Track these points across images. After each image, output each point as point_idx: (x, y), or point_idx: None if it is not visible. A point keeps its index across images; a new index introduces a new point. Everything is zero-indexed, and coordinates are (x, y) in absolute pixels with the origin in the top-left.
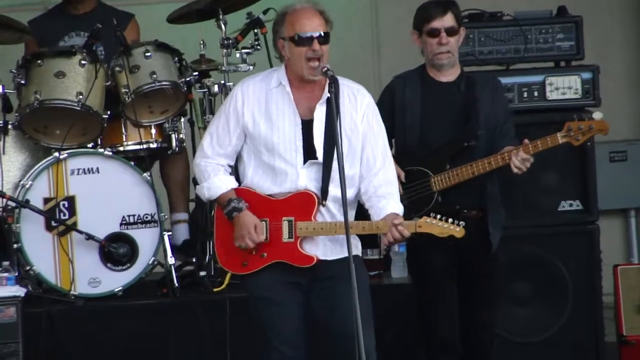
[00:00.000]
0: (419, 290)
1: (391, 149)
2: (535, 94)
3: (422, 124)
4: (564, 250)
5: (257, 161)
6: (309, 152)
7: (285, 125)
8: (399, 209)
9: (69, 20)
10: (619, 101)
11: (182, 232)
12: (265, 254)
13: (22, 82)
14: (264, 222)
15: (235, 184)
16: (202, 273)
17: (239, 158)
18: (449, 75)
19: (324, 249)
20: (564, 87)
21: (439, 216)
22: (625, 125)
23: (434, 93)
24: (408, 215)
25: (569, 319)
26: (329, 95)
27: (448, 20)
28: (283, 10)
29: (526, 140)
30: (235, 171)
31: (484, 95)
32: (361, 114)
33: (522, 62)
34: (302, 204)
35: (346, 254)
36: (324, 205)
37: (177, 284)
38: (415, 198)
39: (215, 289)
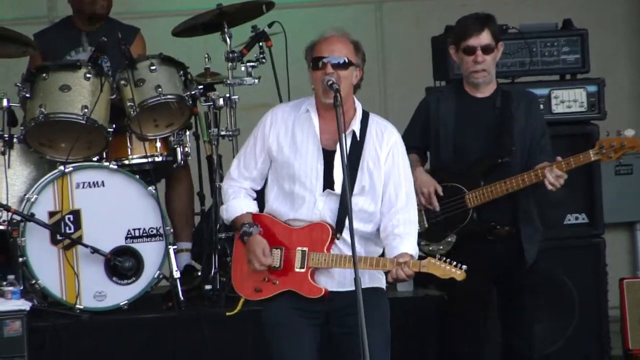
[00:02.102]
0: (449, 307)
1: (425, 162)
2: (541, 107)
3: (456, 140)
4: (569, 264)
5: (279, 187)
6: (328, 182)
7: (308, 152)
8: (412, 249)
9: (75, 34)
10: (624, 114)
11: (184, 260)
12: (278, 282)
13: (27, 95)
14: (279, 250)
15: (253, 209)
16: (208, 287)
17: (266, 183)
18: (485, 91)
19: (340, 280)
20: (569, 100)
21: (443, 258)
22: None
23: (469, 109)
24: (444, 231)
25: (575, 333)
26: (354, 129)
27: (484, 37)
28: (314, 40)
29: (559, 158)
30: (262, 195)
31: (519, 110)
32: (386, 151)
33: (528, 75)
34: (317, 235)
35: (367, 285)
36: (338, 238)
37: (182, 298)
38: (450, 214)
39: (228, 314)
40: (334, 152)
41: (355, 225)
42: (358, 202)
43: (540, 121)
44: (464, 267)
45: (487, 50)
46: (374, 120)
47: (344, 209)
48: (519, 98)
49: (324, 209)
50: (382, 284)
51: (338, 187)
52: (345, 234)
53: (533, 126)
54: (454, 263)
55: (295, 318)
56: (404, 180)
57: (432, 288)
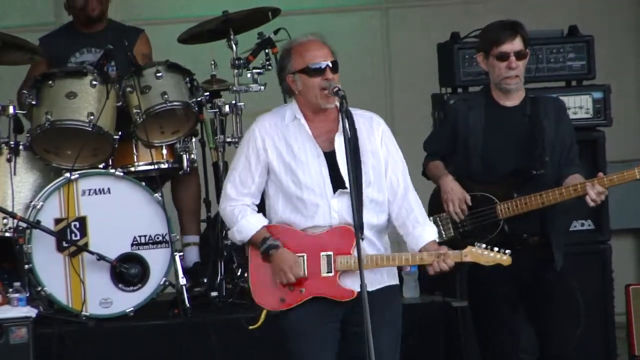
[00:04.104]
0: (479, 318)
1: (447, 166)
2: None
3: (485, 149)
4: (576, 270)
5: (286, 196)
6: (337, 183)
7: (308, 158)
8: (434, 233)
9: (79, 37)
10: (630, 121)
11: (193, 255)
12: (304, 290)
13: (33, 102)
14: (301, 258)
15: (265, 221)
16: (214, 293)
17: (264, 195)
18: (514, 99)
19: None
20: (575, 107)
21: (484, 245)
22: (636, 145)
23: (499, 117)
24: (472, 242)
25: (581, 338)
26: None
27: (518, 43)
28: (287, 45)
29: (600, 174)
30: (261, 208)
31: (548, 118)
32: (379, 140)
33: (533, 82)
34: (340, 238)
35: (386, 284)
36: (362, 239)
37: (188, 305)
38: (479, 224)
39: (251, 327)
40: (332, 152)
41: (370, 218)
42: (368, 194)
43: (569, 130)
44: (508, 251)
45: (520, 55)
46: (357, 113)
47: (360, 205)
48: (548, 105)
49: (340, 210)
50: (397, 279)
51: (346, 182)
52: (366, 229)
53: (563, 136)
54: (497, 249)
55: (321, 327)
56: (400, 162)
57: (438, 294)
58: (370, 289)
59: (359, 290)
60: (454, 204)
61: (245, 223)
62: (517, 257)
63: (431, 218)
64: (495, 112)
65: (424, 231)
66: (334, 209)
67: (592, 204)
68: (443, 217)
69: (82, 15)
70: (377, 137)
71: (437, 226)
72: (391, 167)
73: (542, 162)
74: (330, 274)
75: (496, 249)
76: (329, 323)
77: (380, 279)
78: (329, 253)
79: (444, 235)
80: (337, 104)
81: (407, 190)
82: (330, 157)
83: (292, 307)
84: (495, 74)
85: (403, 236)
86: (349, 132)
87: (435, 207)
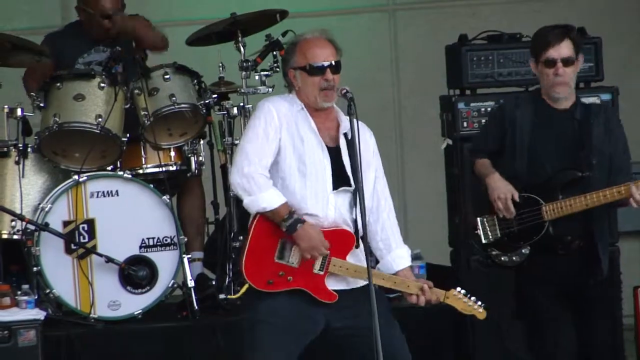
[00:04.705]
0: (527, 325)
1: (498, 168)
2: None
3: (531, 149)
4: None
5: (286, 180)
6: (338, 179)
7: (313, 148)
8: (409, 259)
9: (87, 36)
10: (638, 122)
11: (197, 269)
12: (292, 279)
13: (42, 105)
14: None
15: (285, 200)
16: (222, 296)
17: None
18: (565, 104)
19: (349, 280)
20: None
21: (465, 292)
22: None
23: (547, 118)
24: (517, 242)
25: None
26: (346, 126)
27: (565, 48)
28: (294, 40)
29: None
30: None
31: (598, 123)
32: (372, 147)
33: None
34: (340, 242)
35: (362, 283)
36: (357, 247)
37: (196, 307)
38: (525, 226)
39: (229, 297)
40: (336, 148)
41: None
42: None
43: (621, 139)
44: (484, 305)
45: (567, 62)
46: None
47: (363, 208)
48: (599, 112)
49: (338, 206)
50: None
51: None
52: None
53: (613, 143)
54: (475, 299)
55: (289, 324)
56: (383, 178)
57: None
58: (350, 287)
59: (341, 288)
60: (502, 201)
61: (272, 193)
62: (562, 262)
63: (478, 219)
64: (544, 113)
65: (402, 261)
66: (331, 203)
67: (635, 205)
68: (489, 219)
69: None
70: (370, 144)
71: (484, 227)
72: (379, 177)
73: (589, 164)
74: (320, 272)
75: (474, 299)
76: (304, 318)
77: (360, 278)
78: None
79: (490, 237)
80: (339, 114)
81: (390, 209)
82: (333, 153)
83: (273, 293)
84: (543, 81)
85: (377, 254)
86: (358, 135)
87: (481, 208)
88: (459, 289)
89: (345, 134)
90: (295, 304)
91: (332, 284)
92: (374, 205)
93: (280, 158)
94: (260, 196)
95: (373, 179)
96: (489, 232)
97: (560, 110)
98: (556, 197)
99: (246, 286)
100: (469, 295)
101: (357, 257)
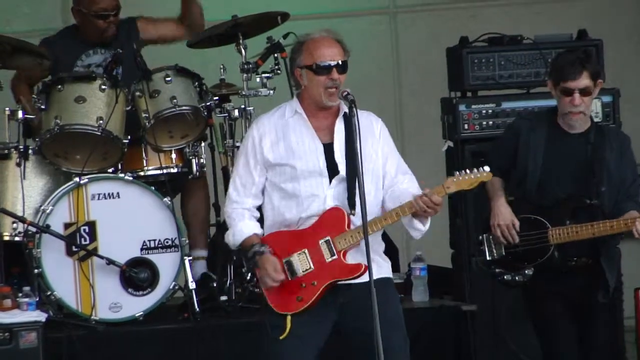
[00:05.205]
0: (539, 335)
1: (507, 181)
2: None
3: (542, 172)
4: None
5: (282, 189)
6: (333, 173)
7: (306, 151)
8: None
9: (85, 39)
10: (638, 124)
11: (201, 268)
12: (316, 282)
13: (43, 107)
14: (304, 253)
15: (259, 230)
16: (223, 297)
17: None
18: (579, 128)
19: (363, 250)
20: None
21: (459, 171)
22: None
23: (560, 142)
24: (521, 262)
25: None
26: (345, 111)
27: (583, 80)
28: (301, 39)
29: None
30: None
31: (611, 150)
32: (379, 137)
33: (543, 86)
34: (332, 221)
35: (381, 275)
36: (353, 214)
37: (197, 309)
38: (530, 247)
39: (281, 337)
40: (331, 143)
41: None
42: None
43: (632, 166)
44: (487, 168)
45: (585, 92)
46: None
47: (353, 187)
48: (613, 138)
49: (334, 197)
50: (389, 273)
51: (342, 169)
52: (358, 209)
53: (624, 169)
54: (472, 168)
55: (308, 326)
56: (398, 157)
57: (448, 298)
58: (362, 280)
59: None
60: (502, 230)
61: (239, 228)
62: (567, 281)
63: (482, 237)
64: (558, 136)
65: (409, 188)
66: (329, 200)
67: (637, 236)
68: (494, 237)
69: (96, 38)
70: (376, 134)
71: (489, 244)
72: (390, 161)
73: (598, 192)
74: (334, 257)
75: (471, 169)
76: (318, 322)
77: (376, 270)
78: (327, 238)
79: (495, 254)
80: (342, 104)
81: (411, 180)
82: (327, 149)
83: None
84: (560, 105)
85: (388, 202)
86: (359, 139)
87: (486, 225)
88: (455, 172)
89: (344, 115)
90: (305, 319)
91: (351, 260)
92: (387, 184)
93: (272, 170)
94: (231, 232)
95: (380, 162)
96: (493, 250)
97: (574, 135)
98: (564, 222)
99: (289, 318)
100: (466, 170)
101: (357, 250)
